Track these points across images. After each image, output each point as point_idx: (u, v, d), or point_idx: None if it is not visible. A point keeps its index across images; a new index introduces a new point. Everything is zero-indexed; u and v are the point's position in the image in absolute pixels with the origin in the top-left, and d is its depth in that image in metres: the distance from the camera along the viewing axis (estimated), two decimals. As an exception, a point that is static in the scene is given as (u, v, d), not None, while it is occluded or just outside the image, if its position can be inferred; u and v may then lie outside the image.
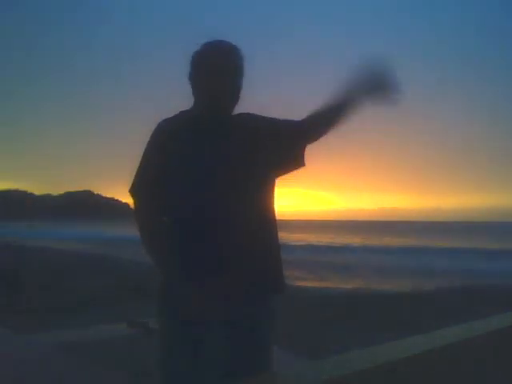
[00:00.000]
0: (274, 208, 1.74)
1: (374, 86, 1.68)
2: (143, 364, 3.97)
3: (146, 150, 1.75)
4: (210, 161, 1.66)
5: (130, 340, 5.30)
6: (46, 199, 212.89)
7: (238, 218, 1.64)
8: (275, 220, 1.74)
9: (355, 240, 44.75)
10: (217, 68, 1.68)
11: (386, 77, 1.67)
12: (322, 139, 1.79)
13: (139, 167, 1.74)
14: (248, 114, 1.79)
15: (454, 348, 1.91)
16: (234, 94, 1.72)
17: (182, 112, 1.77)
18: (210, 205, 1.62)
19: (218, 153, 1.68)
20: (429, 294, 12.01)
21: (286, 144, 1.73)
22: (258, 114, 1.78)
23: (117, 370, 3.88)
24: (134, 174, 1.76)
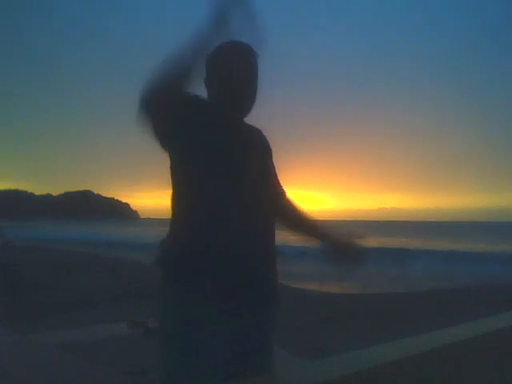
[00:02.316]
0: None
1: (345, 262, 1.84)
2: (143, 364, 3.97)
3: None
4: (246, 162, 1.66)
5: (130, 340, 5.30)
6: (46, 199, 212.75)
7: (265, 221, 1.67)
8: None
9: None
10: (239, 68, 1.67)
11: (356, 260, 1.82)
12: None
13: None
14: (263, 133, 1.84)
15: (454, 348, 1.91)
16: (253, 95, 1.72)
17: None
18: (246, 201, 1.63)
19: (249, 154, 1.70)
20: (429, 294, 12.01)
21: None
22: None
23: (117, 370, 3.88)
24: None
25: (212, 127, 1.63)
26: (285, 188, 1.93)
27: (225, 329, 1.59)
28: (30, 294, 10.08)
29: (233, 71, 1.67)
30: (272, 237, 1.72)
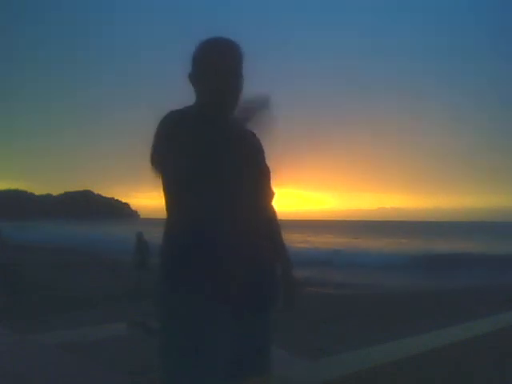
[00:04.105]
0: None
1: None
2: (143, 364, 3.97)
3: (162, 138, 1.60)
4: (236, 162, 1.64)
5: (130, 340, 5.30)
6: (46, 199, 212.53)
7: (258, 221, 1.67)
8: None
9: (353, 240, 44.71)
10: (224, 66, 1.65)
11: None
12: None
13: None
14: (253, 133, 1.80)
15: (454, 348, 1.91)
16: (239, 93, 1.70)
17: (189, 107, 1.70)
18: (236, 206, 1.63)
19: (239, 155, 1.67)
20: (429, 294, 12.01)
21: None
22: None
23: (117, 370, 3.88)
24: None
25: (198, 137, 1.59)
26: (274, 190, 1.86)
27: (224, 329, 1.59)
28: (30, 294, 10.09)
29: (220, 69, 1.64)
30: (266, 238, 1.71)
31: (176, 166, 1.59)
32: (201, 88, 1.69)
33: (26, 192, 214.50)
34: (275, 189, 1.88)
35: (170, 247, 1.66)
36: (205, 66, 1.66)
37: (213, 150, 1.61)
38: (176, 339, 1.59)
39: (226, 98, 1.67)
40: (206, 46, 1.67)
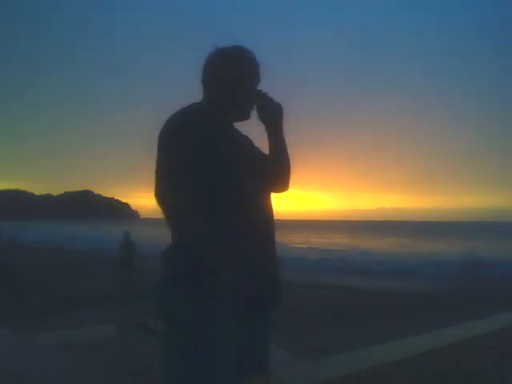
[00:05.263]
0: None
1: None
2: (143, 364, 3.98)
3: (179, 147, 1.54)
4: (255, 162, 1.68)
5: (130, 340, 5.31)
6: (46, 199, 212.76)
7: (272, 220, 1.70)
8: None
9: (354, 241, 44.70)
10: (259, 74, 1.73)
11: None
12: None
13: (169, 168, 1.56)
14: None
15: (454, 348, 1.91)
16: (250, 97, 1.74)
17: (196, 106, 1.69)
18: (262, 205, 1.66)
19: (256, 156, 1.72)
20: (429, 294, 12.01)
21: None
22: None
23: (116, 370, 3.88)
24: (162, 176, 1.57)
25: (227, 137, 1.64)
26: None
27: (226, 330, 1.58)
28: (30, 294, 10.09)
29: (245, 74, 1.69)
30: (266, 238, 1.72)
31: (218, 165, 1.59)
32: (222, 92, 1.70)
33: (26, 192, 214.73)
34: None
35: (185, 250, 1.65)
36: (233, 70, 1.69)
37: (243, 150, 1.65)
38: (177, 339, 1.59)
39: (239, 101, 1.71)
40: (246, 53, 1.72)
